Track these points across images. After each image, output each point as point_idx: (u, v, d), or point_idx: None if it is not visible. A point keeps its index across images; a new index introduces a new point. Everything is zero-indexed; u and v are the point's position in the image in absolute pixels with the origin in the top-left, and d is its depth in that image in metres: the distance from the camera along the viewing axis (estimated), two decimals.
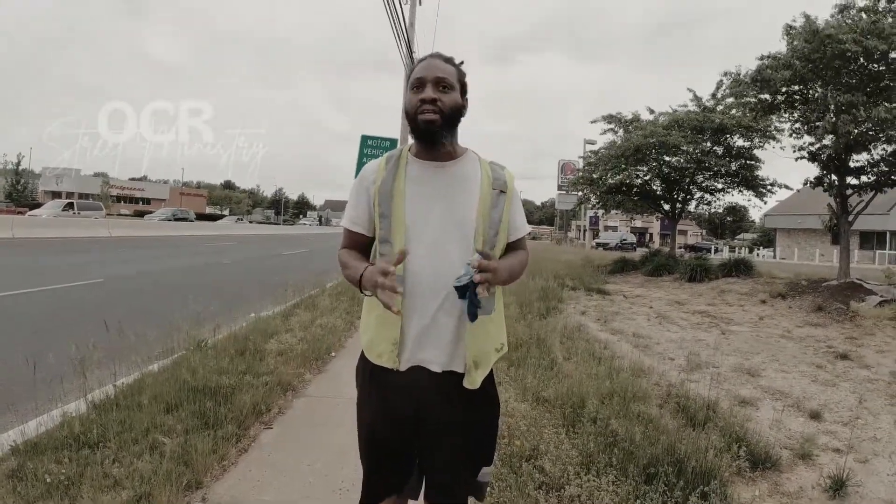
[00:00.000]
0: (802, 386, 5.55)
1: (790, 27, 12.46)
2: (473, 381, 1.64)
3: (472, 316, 1.52)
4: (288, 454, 3.32)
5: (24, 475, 2.70)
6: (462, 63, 1.72)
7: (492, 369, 1.74)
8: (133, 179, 75.70)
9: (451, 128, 1.64)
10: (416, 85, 1.62)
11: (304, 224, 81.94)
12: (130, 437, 3.18)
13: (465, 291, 1.47)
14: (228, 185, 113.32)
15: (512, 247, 1.76)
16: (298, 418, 3.94)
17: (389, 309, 1.43)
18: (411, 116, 1.62)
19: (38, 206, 36.65)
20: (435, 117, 1.58)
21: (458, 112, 1.65)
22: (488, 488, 2.17)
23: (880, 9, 11.73)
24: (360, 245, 1.76)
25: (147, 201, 71.88)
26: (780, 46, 12.95)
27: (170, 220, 38.85)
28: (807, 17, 12.18)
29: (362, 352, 1.74)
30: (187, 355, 4.77)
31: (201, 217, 55.53)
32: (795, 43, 12.10)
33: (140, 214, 51.85)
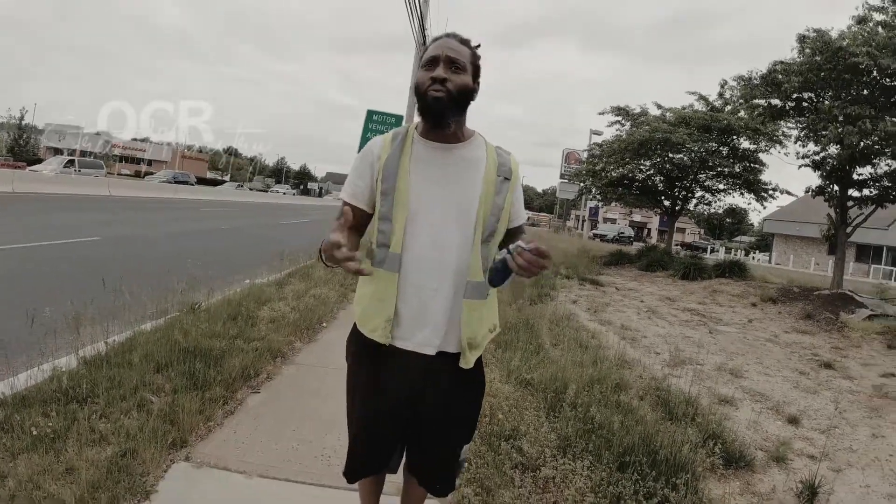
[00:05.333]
0: (784, 390, 5.63)
1: (804, 37, 12.39)
2: (468, 362, 1.68)
3: (497, 282, 1.59)
4: (273, 419, 3.38)
5: (10, 427, 2.72)
6: (478, 46, 1.71)
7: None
8: (135, 140, 75.16)
9: (458, 109, 1.63)
10: (429, 62, 1.61)
11: (278, 192, 71.62)
12: (119, 393, 3.22)
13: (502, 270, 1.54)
14: (231, 152, 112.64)
15: (511, 234, 1.77)
16: (286, 385, 4.00)
17: (361, 274, 1.43)
18: (420, 93, 1.61)
19: (40, 161, 36.42)
20: (443, 95, 1.57)
21: (467, 94, 1.63)
22: (465, 464, 2.24)
23: None
24: (357, 220, 1.72)
25: (149, 162, 71.36)
26: (791, 54, 12.90)
27: (170, 183, 38.68)
28: (818, 30, 12.10)
29: (355, 323, 1.77)
30: (180, 317, 4.82)
31: (202, 181, 55.23)
32: (808, 51, 12.05)
33: (140, 175, 51.59)
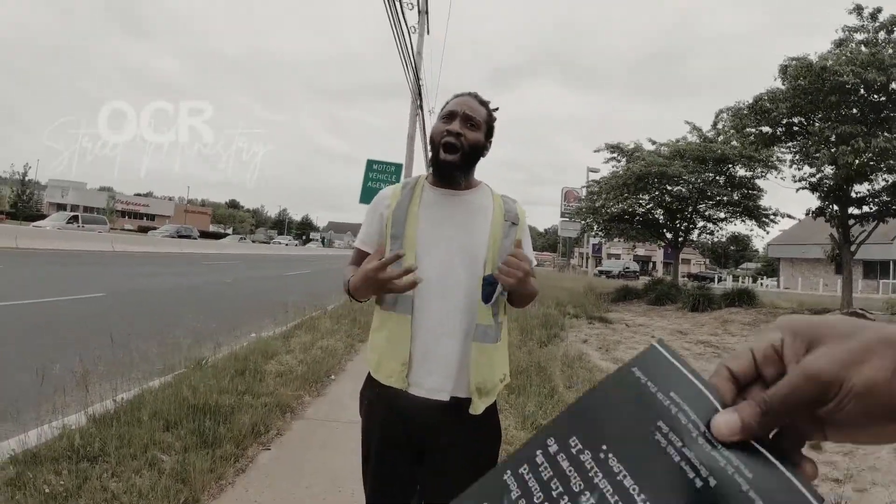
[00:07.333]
0: None
1: (785, 67, 12.63)
2: (476, 408, 1.65)
3: (486, 297, 1.64)
4: (285, 476, 3.31)
5: (22, 484, 2.70)
6: (496, 109, 1.80)
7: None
8: (138, 195, 76.22)
9: (468, 166, 1.71)
10: (447, 116, 1.70)
11: (280, 244, 69.76)
12: (129, 452, 3.18)
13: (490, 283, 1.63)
14: (233, 205, 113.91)
15: None
16: (297, 440, 3.93)
17: (415, 278, 1.53)
18: (435, 143, 1.69)
19: (43, 217, 36.83)
20: (454, 158, 1.65)
21: (478, 151, 1.71)
22: None
23: (880, 40, 11.89)
24: None
25: (152, 217, 72.18)
26: (775, 83, 13.13)
27: (173, 237, 38.97)
28: (796, 58, 12.35)
29: (368, 376, 1.75)
30: (188, 373, 4.78)
31: (204, 235, 55.65)
32: (790, 78, 12.27)
33: (144, 230, 52.07)
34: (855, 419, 0.38)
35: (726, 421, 0.39)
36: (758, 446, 0.38)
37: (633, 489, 0.38)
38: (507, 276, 1.53)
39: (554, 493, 0.39)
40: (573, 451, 0.41)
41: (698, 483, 0.37)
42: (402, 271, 1.50)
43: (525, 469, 0.42)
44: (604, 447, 0.41)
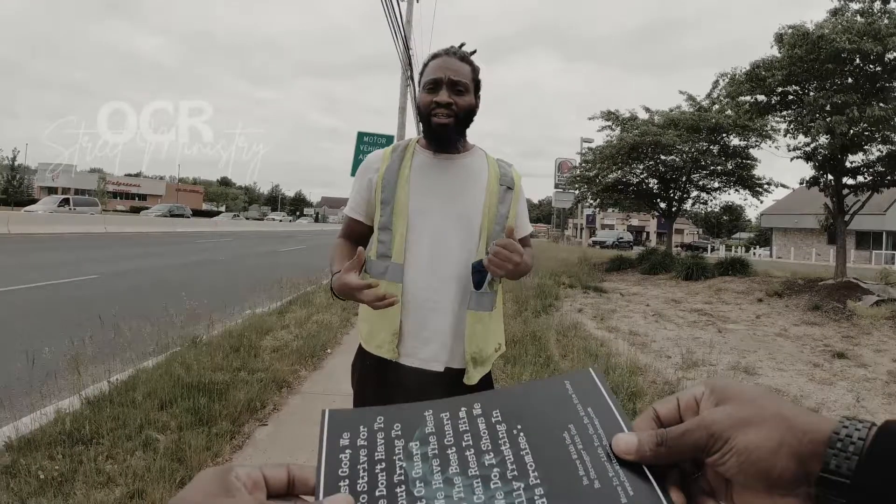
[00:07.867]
0: (799, 384, 5.55)
1: (781, 35, 12.48)
2: (471, 378, 1.63)
3: (476, 284, 1.58)
4: (282, 451, 3.30)
5: (17, 471, 2.68)
6: (474, 52, 1.69)
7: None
8: (129, 175, 75.44)
9: (463, 128, 1.63)
10: (431, 85, 1.58)
11: (274, 220, 71.22)
12: (124, 433, 3.16)
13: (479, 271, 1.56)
14: (225, 182, 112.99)
15: None
16: (293, 415, 3.92)
17: (392, 304, 1.45)
18: (424, 116, 1.60)
19: (34, 202, 36.49)
20: (448, 121, 1.56)
21: (471, 113, 1.63)
22: None
23: (875, 10, 11.75)
24: (358, 234, 1.74)
25: (143, 197, 71.53)
26: (771, 51, 13.00)
27: (166, 217, 38.72)
28: (793, 26, 12.22)
29: (359, 347, 1.72)
30: (182, 352, 4.76)
31: (197, 213, 55.30)
32: (787, 46, 12.14)
33: (136, 210, 51.68)
34: (736, 477, 0.42)
35: (626, 439, 0.45)
36: (649, 475, 0.43)
37: (531, 465, 0.44)
38: (497, 268, 1.46)
39: (463, 444, 0.45)
40: (493, 419, 0.48)
41: (585, 481, 0.42)
42: (380, 298, 1.43)
43: (446, 415, 0.47)
44: (518, 426, 0.47)
